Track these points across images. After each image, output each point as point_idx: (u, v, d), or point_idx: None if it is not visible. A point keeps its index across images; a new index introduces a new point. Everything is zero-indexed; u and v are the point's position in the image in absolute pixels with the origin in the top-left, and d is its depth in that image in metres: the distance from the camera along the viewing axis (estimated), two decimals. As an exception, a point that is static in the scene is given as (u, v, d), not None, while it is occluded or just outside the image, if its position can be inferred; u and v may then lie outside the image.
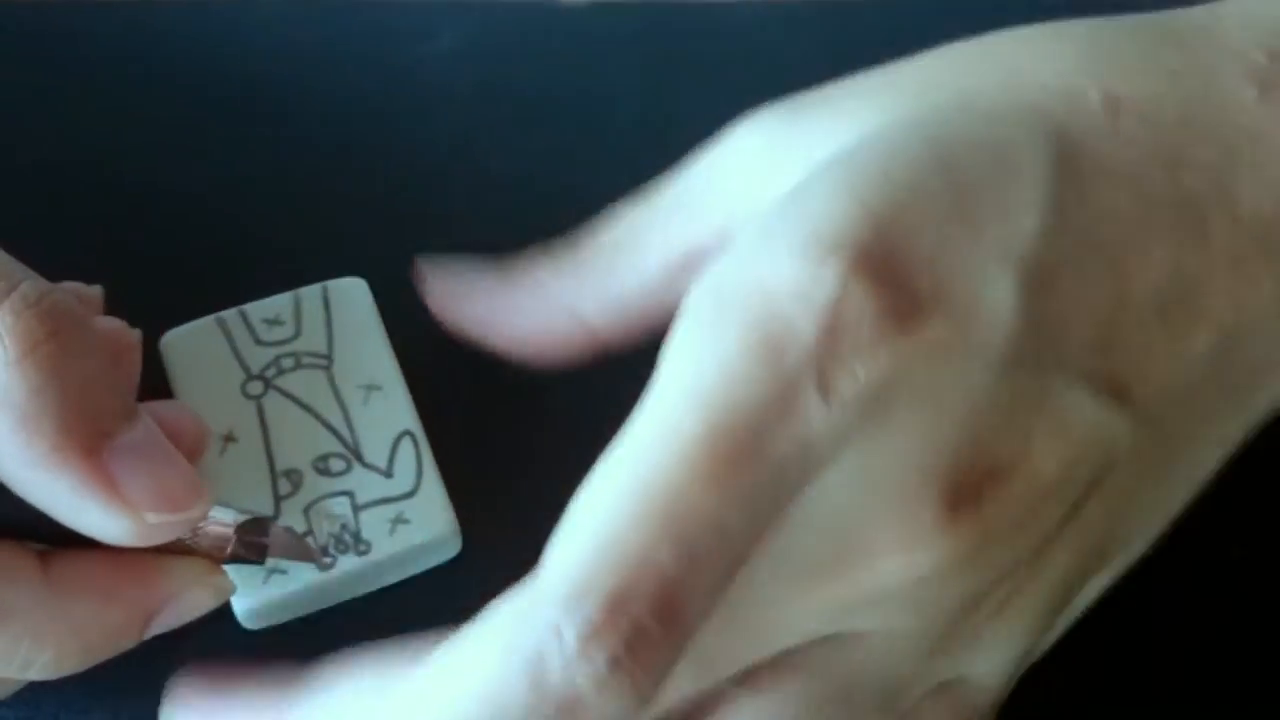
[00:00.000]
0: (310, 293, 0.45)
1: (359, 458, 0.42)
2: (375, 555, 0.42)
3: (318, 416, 0.43)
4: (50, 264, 0.37)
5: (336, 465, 0.42)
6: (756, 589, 0.34)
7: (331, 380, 0.43)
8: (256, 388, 0.43)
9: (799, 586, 0.35)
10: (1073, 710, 0.41)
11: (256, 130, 0.50)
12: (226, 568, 0.39)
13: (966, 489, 0.34)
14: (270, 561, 0.40)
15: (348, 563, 0.41)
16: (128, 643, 0.38)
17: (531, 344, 0.42)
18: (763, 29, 0.52)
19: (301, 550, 0.40)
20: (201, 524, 0.38)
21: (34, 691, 0.40)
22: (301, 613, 0.42)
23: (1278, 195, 0.37)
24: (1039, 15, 0.41)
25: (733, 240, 0.37)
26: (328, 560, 0.41)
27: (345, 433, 0.43)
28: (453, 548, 0.43)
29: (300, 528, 0.41)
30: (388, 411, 0.43)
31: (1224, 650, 0.43)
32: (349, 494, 0.42)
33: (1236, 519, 0.44)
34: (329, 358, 0.44)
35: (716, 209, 0.39)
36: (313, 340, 0.44)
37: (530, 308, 0.42)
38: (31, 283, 0.36)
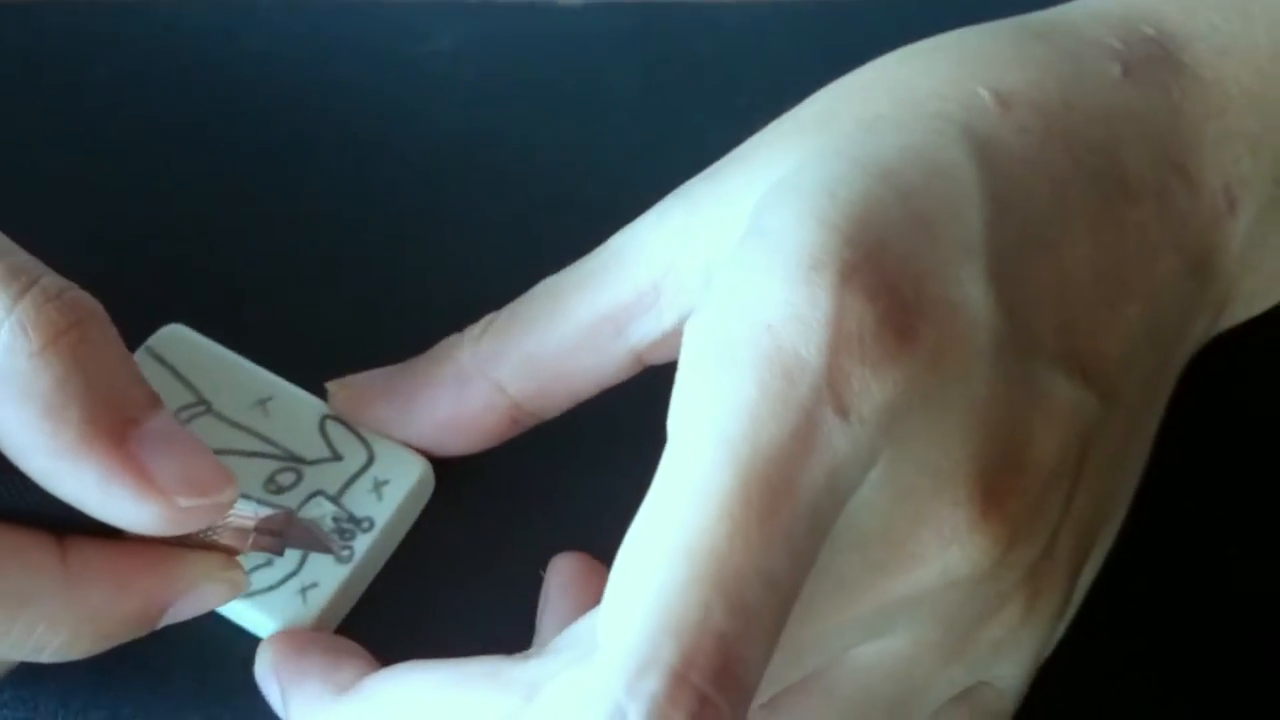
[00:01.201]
0: (139, 359, 0.44)
1: (301, 460, 0.42)
2: (380, 524, 0.42)
3: (235, 453, 0.42)
4: (47, 264, 0.37)
5: (286, 479, 0.42)
6: (795, 610, 0.34)
7: (221, 417, 0.43)
8: None
9: (835, 602, 0.35)
10: (1073, 710, 0.41)
11: (255, 130, 0.50)
12: (266, 593, 0.40)
13: (992, 487, 0.35)
14: (299, 583, 0.40)
15: (363, 543, 0.41)
16: (141, 631, 0.38)
17: (453, 426, 0.42)
18: (762, 29, 0.52)
19: (321, 542, 0.40)
20: (223, 517, 0.38)
21: (33, 691, 0.40)
22: (336, 623, 0.41)
23: (1158, 166, 0.38)
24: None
25: (705, 289, 0.37)
26: (345, 552, 0.41)
27: (271, 449, 0.42)
28: (431, 483, 0.43)
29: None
30: (294, 410, 0.43)
31: (1224, 650, 0.43)
32: (319, 492, 0.42)
33: (1236, 519, 0.44)
34: (203, 401, 0.43)
35: (641, 271, 0.40)
36: (175, 397, 0.43)
37: (447, 386, 0.42)
38: (51, 278, 0.36)
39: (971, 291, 0.35)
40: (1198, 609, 0.43)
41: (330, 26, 0.51)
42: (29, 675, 0.40)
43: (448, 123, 0.50)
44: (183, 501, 0.36)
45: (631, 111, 0.50)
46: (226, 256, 0.47)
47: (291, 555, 0.41)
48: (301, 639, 0.40)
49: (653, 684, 0.31)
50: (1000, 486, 0.35)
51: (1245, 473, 0.45)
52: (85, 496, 0.35)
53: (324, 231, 0.48)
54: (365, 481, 0.42)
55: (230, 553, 0.38)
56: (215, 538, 0.38)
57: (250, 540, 0.38)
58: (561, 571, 0.41)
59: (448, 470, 0.43)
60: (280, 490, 0.42)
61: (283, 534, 0.39)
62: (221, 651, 0.41)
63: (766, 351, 0.33)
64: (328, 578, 0.41)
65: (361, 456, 0.42)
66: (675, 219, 0.40)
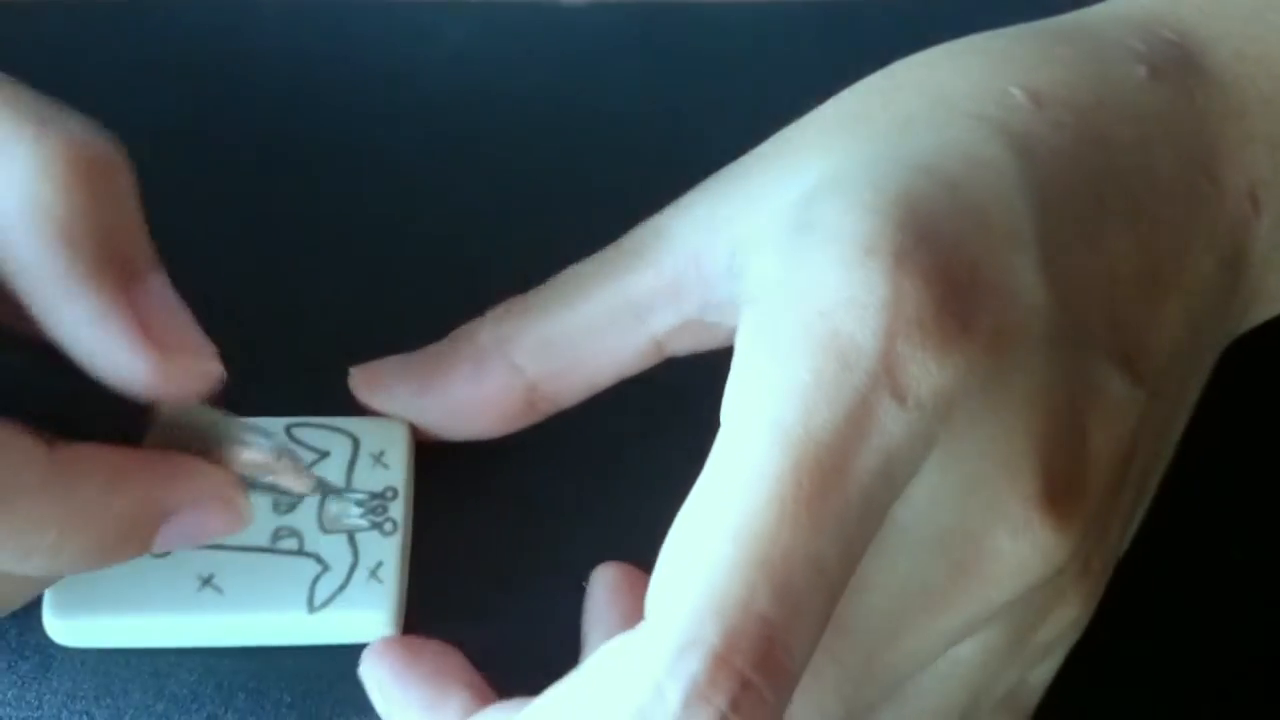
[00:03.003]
0: None
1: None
2: (402, 488, 0.42)
3: None
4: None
5: (284, 501, 0.42)
6: (879, 628, 0.34)
7: None
8: None
9: (921, 614, 0.35)
10: (1073, 710, 0.41)
11: (255, 130, 0.50)
12: (341, 593, 0.40)
13: (1058, 481, 0.34)
14: (365, 570, 0.41)
15: (398, 510, 0.42)
16: (135, 545, 0.36)
17: (469, 407, 0.42)
18: (762, 29, 0.52)
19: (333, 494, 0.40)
20: (242, 447, 0.37)
21: (37, 692, 0.40)
22: (404, 595, 0.41)
23: (1185, 166, 0.39)
24: (1039, 15, 0.41)
25: (730, 281, 0.38)
26: (389, 525, 0.41)
27: None
28: (413, 441, 0.43)
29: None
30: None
31: (1224, 650, 0.43)
32: (324, 490, 0.41)
33: (1236, 519, 0.44)
34: None
35: (663, 260, 0.40)
36: None
37: (464, 366, 0.42)
38: (85, 124, 0.36)
39: (1025, 279, 0.35)
40: (1201, 611, 0.43)
41: (330, 26, 0.52)
42: (33, 675, 0.40)
43: (449, 122, 0.50)
44: (174, 358, 0.35)
45: (632, 111, 0.50)
46: (227, 256, 0.47)
47: (342, 551, 0.41)
48: (404, 657, 0.40)
49: (694, 664, 0.31)
50: (1066, 481, 0.35)
51: (1249, 474, 0.45)
52: (77, 332, 0.35)
53: (324, 231, 0.48)
54: (364, 460, 0.42)
55: (292, 494, 0.38)
56: (278, 480, 0.38)
57: (272, 476, 0.38)
58: (605, 582, 0.41)
59: (473, 459, 0.43)
60: (291, 508, 0.42)
61: (304, 475, 0.38)
62: (223, 652, 0.41)
63: (821, 337, 0.33)
64: (386, 552, 0.41)
65: (346, 442, 0.42)
66: (699, 211, 0.40)
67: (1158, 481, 0.40)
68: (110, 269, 0.35)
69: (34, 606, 0.40)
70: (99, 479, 0.35)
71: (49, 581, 0.39)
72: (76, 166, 0.35)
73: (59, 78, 0.50)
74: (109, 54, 0.51)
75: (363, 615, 0.40)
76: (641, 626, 0.32)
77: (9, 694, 0.40)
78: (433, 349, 0.43)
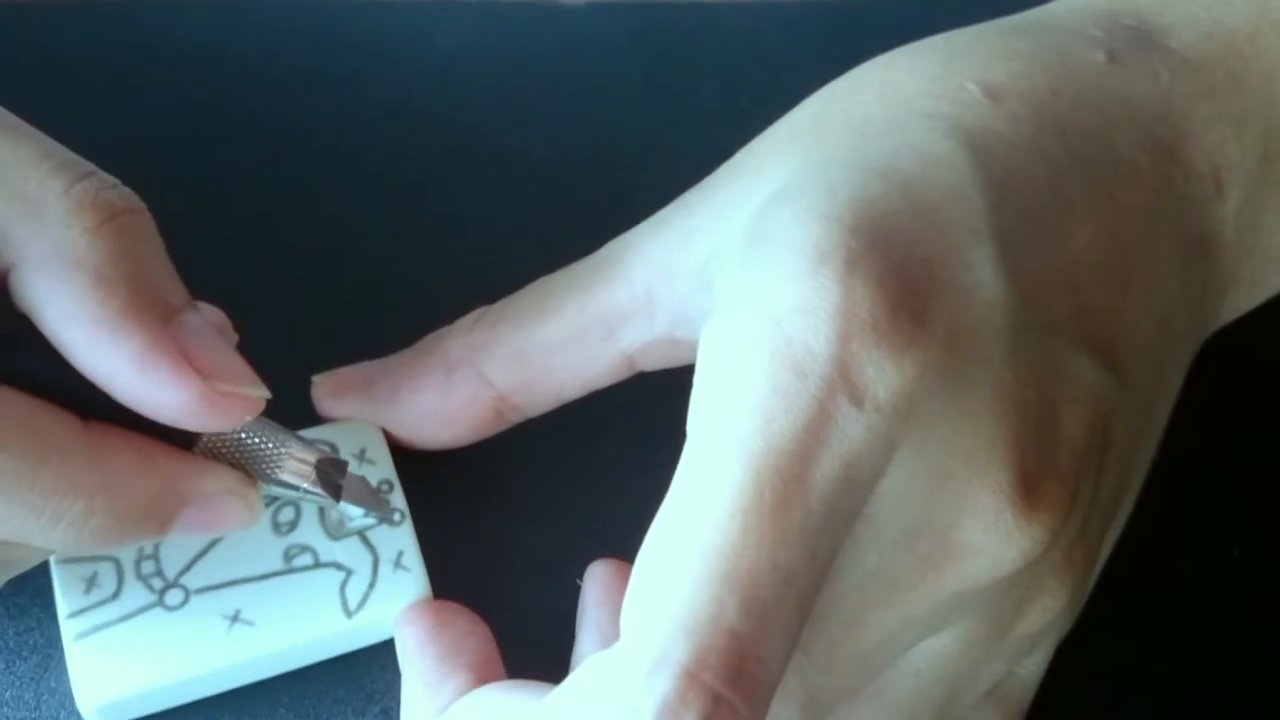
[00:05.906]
0: None
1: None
2: (394, 479, 0.42)
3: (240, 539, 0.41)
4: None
5: (285, 515, 0.42)
6: (845, 618, 0.34)
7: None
8: (177, 597, 0.41)
9: (891, 605, 0.35)
10: (1073, 709, 0.41)
11: (254, 130, 0.50)
12: (372, 590, 0.41)
13: (1029, 471, 0.35)
14: (389, 563, 0.41)
15: (399, 500, 0.42)
16: (155, 526, 0.37)
17: (437, 416, 0.42)
18: (762, 29, 0.52)
19: (373, 500, 0.40)
20: (286, 451, 0.38)
21: (34, 692, 0.40)
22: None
23: (1149, 149, 0.39)
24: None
25: (701, 296, 0.38)
26: (396, 515, 0.41)
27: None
28: (383, 435, 0.43)
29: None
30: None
31: (1224, 650, 0.43)
32: (323, 496, 0.41)
33: (1236, 519, 0.44)
34: None
35: (635, 275, 0.40)
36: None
37: (433, 376, 0.42)
38: (105, 174, 0.36)
39: (983, 274, 0.35)
40: (1201, 610, 0.43)
41: (330, 26, 0.52)
42: (30, 676, 0.41)
43: (448, 123, 0.50)
44: (220, 385, 0.35)
45: (632, 112, 0.51)
46: (226, 255, 0.47)
47: (359, 552, 0.41)
48: (431, 627, 0.40)
49: (665, 683, 0.31)
50: (1037, 470, 0.35)
51: (1249, 473, 0.45)
52: (121, 371, 0.35)
53: (323, 231, 0.48)
54: (350, 461, 0.42)
55: (289, 486, 0.38)
56: (277, 471, 0.38)
57: (311, 479, 0.38)
58: (598, 579, 0.41)
59: (466, 458, 0.43)
60: (292, 527, 0.42)
61: (340, 480, 0.39)
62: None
63: (776, 346, 0.33)
64: (403, 541, 0.41)
65: (325, 449, 0.42)
66: (671, 227, 0.40)
67: (1143, 473, 0.40)
68: (148, 305, 0.35)
69: (31, 606, 0.40)
70: (129, 455, 0.36)
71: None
72: (104, 213, 0.35)
73: (59, 78, 0.51)
74: (109, 54, 0.51)
75: (401, 605, 0.41)
76: (616, 646, 0.33)
77: (7, 694, 0.40)
78: (400, 357, 0.43)
